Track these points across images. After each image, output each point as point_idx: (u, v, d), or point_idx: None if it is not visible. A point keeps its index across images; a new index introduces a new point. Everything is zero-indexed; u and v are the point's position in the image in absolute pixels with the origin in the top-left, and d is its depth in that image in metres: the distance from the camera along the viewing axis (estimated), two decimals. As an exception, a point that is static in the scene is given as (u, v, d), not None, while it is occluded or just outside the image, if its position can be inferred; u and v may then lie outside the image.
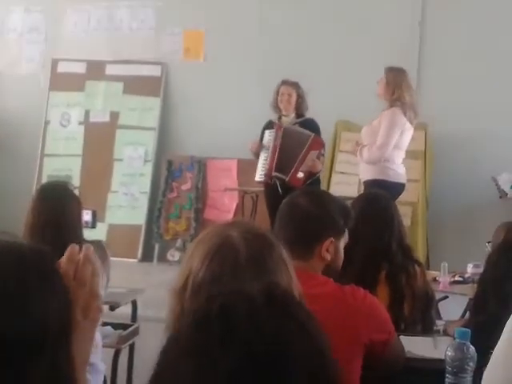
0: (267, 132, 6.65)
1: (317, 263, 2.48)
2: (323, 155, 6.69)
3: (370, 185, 5.95)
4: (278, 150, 6.51)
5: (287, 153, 6.48)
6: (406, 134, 6.20)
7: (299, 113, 6.67)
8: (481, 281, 2.99)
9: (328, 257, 2.48)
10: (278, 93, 6.67)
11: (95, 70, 8.98)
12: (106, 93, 8.96)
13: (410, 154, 6.64)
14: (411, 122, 6.18)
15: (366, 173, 6.20)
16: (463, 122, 7.90)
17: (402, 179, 6.23)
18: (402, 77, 6.20)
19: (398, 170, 6.21)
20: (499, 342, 1.98)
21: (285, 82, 6.70)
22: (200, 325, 1.09)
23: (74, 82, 8.99)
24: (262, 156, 6.64)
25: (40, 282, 1.19)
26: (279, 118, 6.71)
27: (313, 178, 6.50)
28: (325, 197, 2.77)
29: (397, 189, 6.09)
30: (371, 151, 6.09)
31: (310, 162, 6.43)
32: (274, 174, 6.51)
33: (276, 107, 6.71)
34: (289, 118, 6.66)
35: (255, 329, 1.05)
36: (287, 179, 6.41)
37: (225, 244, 1.74)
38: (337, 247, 2.52)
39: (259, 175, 6.68)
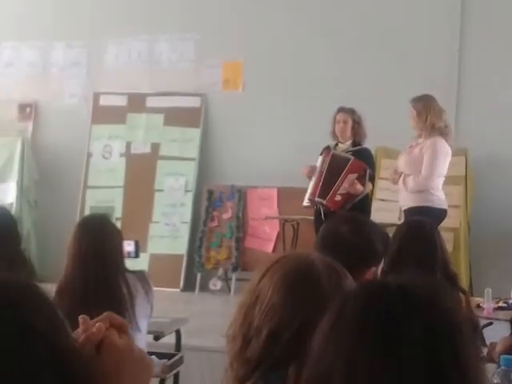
0: (320, 157, 6.65)
1: None
2: (369, 178, 6.48)
3: (414, 212, 5.85)
4: (323, 175, 6.52)
5: (330, 178, 6.46)
6: (448, 160, 6.17)
7: (356, 140, 6.61)
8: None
9: None
10: (334, 120, 6.65)
11: (136, 102, 9.10)
12: (146, 125, 9.07)
13: (451, 180, 6.60)
14: (450, 146, 6.16)
15: (409, 200, 6.11)
16: (503, 147, 7.85)
17: (445, 205, 6.18)
18: (431, 102, 6.15)
19: (441, 196, 6.17)
20: None
21: (341, 109, 6.67)
22: (377, 299, 1.13)
23: (116, 114, 9.13)
24: (312, 181, 6.64)
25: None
26: (336, 144, 6.68)
27: (354, 200, 6.40)
28: (366, 226, 2.78)
29: (441, 215, 6.04)
30: (418, 181, 6.02)
31: (348, 185, 6.37)
32: (316, 199, 6.52)
33: (334, 135, 6.68)
34: (345, 146, 6.62)
35: (437, 310, 1.11)
36: (325, 202, 6.41)
37: (308, 272, 1.75)
38: (375, 274, 2.54)
39: (305, 200, 6.70)
